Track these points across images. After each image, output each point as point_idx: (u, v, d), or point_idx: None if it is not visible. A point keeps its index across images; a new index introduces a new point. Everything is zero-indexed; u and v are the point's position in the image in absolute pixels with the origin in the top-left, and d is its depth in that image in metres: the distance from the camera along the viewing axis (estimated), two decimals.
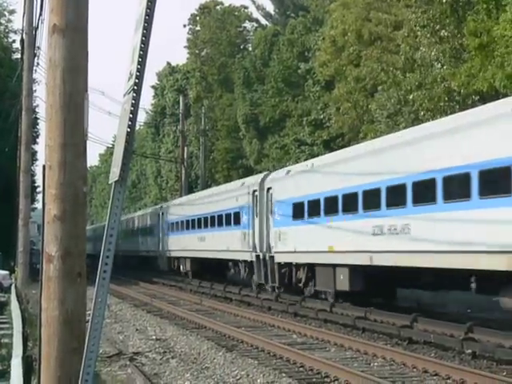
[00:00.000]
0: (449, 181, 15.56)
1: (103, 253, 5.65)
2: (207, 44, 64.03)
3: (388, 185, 17.82)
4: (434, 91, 28.82)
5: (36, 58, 33.77)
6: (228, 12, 64.97)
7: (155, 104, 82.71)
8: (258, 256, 26.68)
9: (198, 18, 66.84)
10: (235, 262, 30.41)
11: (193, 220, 36.41)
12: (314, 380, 12.31)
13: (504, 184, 13.74)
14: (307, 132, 47.22)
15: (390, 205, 17.80)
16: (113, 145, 48.65)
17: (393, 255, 17.59)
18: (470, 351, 13.70)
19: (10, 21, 57.72)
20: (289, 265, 24.38)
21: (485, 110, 15.95)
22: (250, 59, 56.82)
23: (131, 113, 5.45)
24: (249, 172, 50.17)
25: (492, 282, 14.85)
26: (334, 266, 20.65)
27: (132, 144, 5.66)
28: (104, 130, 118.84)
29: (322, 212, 21.48)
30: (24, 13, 33.76)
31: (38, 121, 46.88)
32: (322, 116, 45.62)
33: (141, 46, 5.29)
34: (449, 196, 15.54)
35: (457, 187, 15.42)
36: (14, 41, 57.51)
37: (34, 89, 38.19)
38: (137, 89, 5.38)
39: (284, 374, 12.62)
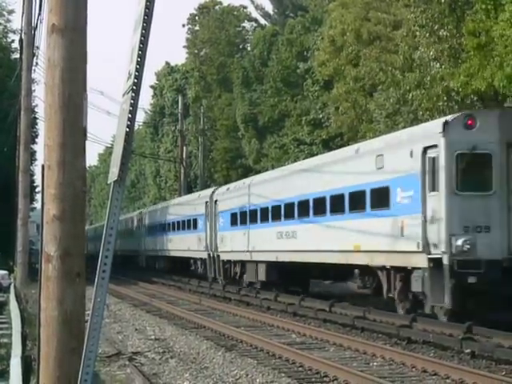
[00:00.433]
0: (318, 200, 21.78)
1: (102, 252, 5.65)
2: (206, 44, 64.03)
3: (285, 202, 24.30)
4: (433, 91, 28.82)
5: (35, 58, 33.80)
6: (227, 12, 64.98)
7: (154, 104, 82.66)
8: (209, 254, 32.89)
9: (197, 17, 66.86)
10: (194, 260, 36.82)
11: (164, 224, 43.19)
12: (313, 380, 12.31)
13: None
14: (306, 131, 47.22)
15: (286, 217, 24.15)
16: (112, 145, 48.78)
17: (288, 254, 23.94)
18: (469, 351, 13.70)
19: (8, 21, 57.73)
20: (229, 261, 30.43)
21: (342, 151, 22.44)
22: (248, 59, 56.83)
23: (130, 112, 5.45)
24: (248, 171, 50.22)
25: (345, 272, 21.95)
26: (257, 262, 26.74)
27: (131, 144, 5.66)
28: (103, 129, 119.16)
29: (247, 221, 27.75)
30: (23, 13, 33.77)
31: (37, 120, 46.92)
32: (320, 115, 45.63)
33: (140, 46, 5.29)
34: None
35: (321, 205, 21.62)
36: (12, 41, 57.50)
37: (32, 89, 38.13)
38: (136, 88, 5.39)
39: (283, 374, 12.62)
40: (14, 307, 20.38)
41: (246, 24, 65.82)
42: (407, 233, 16.46)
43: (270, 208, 25.42)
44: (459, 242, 14.88)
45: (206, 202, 33.57)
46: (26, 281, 32.19)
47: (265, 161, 51.78)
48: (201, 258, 34.90)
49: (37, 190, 49.15)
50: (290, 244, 23.62)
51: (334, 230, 20.30)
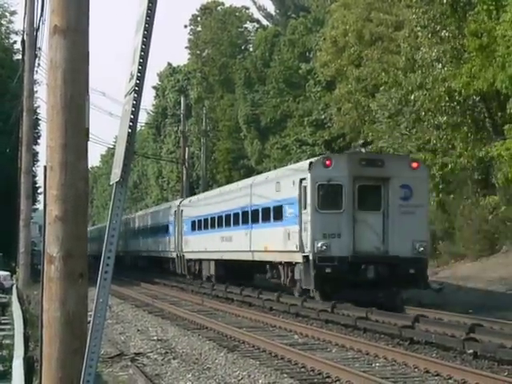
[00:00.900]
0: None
1: (104, 253, 5.66)
2: (208, 44, 64.07)
3: (225, 213, 30.18)
4: (435, 91, 28.83)
5: (37, 59, 33.78)
6: (229, 13, 65.03)
7: (156, 104, 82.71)
8: (177, 255, 38.69)
9: (199, 18, 66.91)
10: (166, 259, 42.31)
11: (145, 228, 50.49)
12: (316, 380, 12.29)
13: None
14: (308, 132, 47.24)
15: (226, 225, 30.10)
16: (114, 145, 48.69)
17: (228, 253, 29.62)
18: (471, 351, 13.68)
19: (11, 22, 57.85)
20: (191, 260, 36.24)
21: (260, 176, 29.54)
22: (250, 60, 56.85)
23: (132, 113, 5.46)
24: (250, 172, 50.21)
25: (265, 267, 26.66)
26: (209, 260, 32.67)
27: (133, 145, 5.67)
28: (105, 130, 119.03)
29: (202, 227, 33.86)
30: (25, 14, 33.79)
31: (39, 122, 46.86)
32: (323, 116, 45.65)
33: (142, 47, 5.30)
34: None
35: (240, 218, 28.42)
36: (15, 42, 57.59)
37: (35, 90, 38.11)
38: (138, 89, 5.39)
39: (285, 375, 12.60)
40: (16, 308, 20.39)
41: (248, 25, 65.90)
42: (291, 238, 22.63)
43: (216, 217, 31.92)
44: (319, 245, 20.93)
45: (175, 212, 39.90)
46: (28, 282, 32.18)
47: (267, 161, 51.80)
48: (171, 257, 40.97)
49: (39, 191, 49.23)
50: (228, 246, 29.99)
51: (254, 235, 26.81)
